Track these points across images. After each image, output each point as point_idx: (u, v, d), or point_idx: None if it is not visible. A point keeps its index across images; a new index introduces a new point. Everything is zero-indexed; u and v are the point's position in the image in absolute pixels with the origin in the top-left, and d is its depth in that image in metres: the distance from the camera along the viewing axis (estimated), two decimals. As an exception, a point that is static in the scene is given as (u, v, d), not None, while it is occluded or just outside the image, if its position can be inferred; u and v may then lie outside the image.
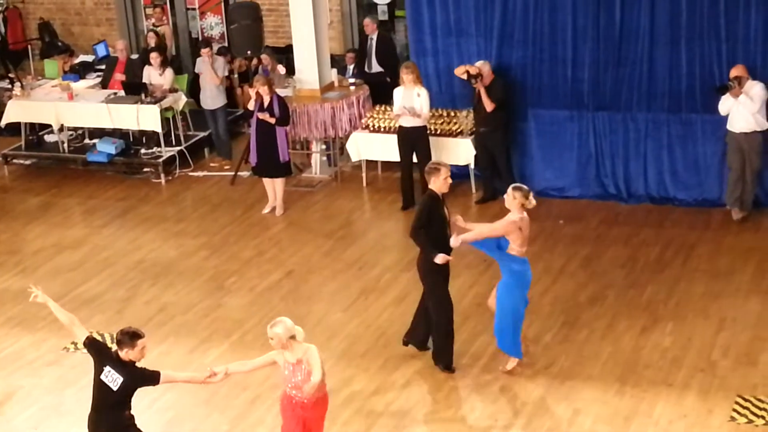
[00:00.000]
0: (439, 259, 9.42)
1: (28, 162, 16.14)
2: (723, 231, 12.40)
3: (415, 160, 13.47)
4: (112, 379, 7.66)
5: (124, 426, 7.85)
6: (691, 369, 9.61)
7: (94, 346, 7.87)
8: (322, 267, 12.21)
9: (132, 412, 7.87)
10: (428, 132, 13.53)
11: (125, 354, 7.66)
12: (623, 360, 9.84)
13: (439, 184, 9.45)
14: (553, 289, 11.26)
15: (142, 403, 9.54)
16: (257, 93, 13.33)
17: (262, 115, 13.26)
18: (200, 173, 15.38)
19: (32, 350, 10.68)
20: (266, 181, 13.77)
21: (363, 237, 13.04)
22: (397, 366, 9.97)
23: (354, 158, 14.51)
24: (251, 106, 13.46)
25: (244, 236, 13.16)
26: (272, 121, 13.23)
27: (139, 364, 7.72)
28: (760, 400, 9.07)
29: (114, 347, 7.80)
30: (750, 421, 8.80)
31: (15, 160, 16.09)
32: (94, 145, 15.76)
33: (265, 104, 13.28)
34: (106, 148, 15.50)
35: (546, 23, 13.26)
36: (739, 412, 8.92)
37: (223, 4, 18.56)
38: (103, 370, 7.70)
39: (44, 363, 10.43)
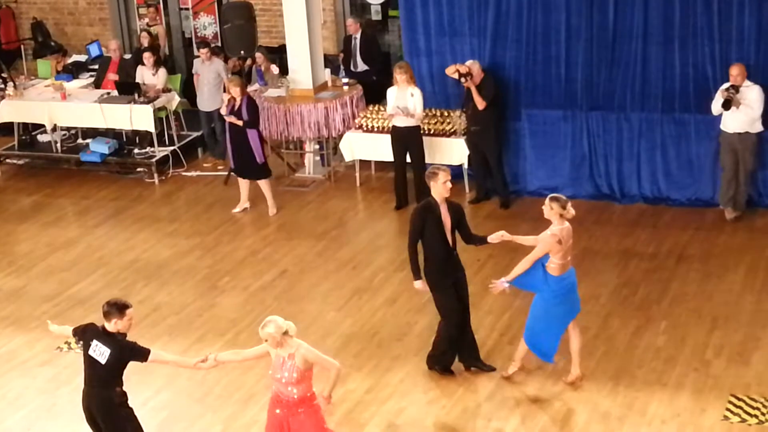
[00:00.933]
0: (417, 284, 9.50)
1: (21, 162, 16.12)
2: (716, 231, 12.43)
3: (408, 160, 13.49)
4: (100, 352, 7.68)
5: (115, 404, 7.87)
6: (684, 368, 9.62)
7: (79, 328, 7.96)
8: (316, 267, 12.21)
9: (124, 388, 7.89)
10: (422, 132, 13.54)
11: (114, 325, 7.69)
12: (617, 359, 9.85)
13: (438, 189, 9.35)
14: (547, 288, 11.27)
15: (136, 402, 9.49)
16: (230, 96, 13.28)
17: (229, 118, 13.23)
18: (193, 173, 15.37)
19: (25, 350, 10.66)
20: (242, 182, 13.73)
21: (356, 237, 13.05)
22: (390, 365, 9.98)
23: (347, 158, 14.50)
24: (224, 110, 13.39)
25: (238, 236, 13.16)
26: (240, 123, 13.20)
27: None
28: (753, 399, 9.09)
29: (101, 324, 7.81)
30: (743, 420, 8.81)
31: (8, 160, 16.08)
32: (87, 144, 15.75)
33: (236, 107, 13.25)
34: (99, 147, 15.49)
35: (539, 23, 13.27)
36: (732, 412, 8.94)
37: (216, 3, 18.56)
38: (90, 344, 7.72)
39: (37, 363, 10.41)
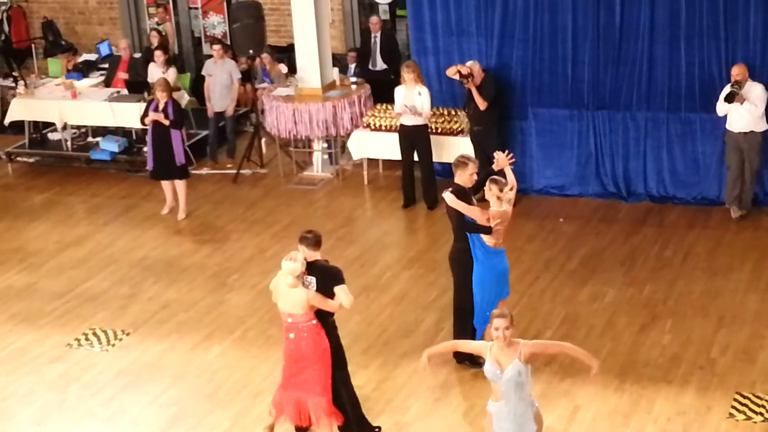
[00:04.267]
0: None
1: (31, 160, 16.21)
2: (722, 229, 12.46)
3: (416, 158, 13.55)
4: (308, 281, 8.42)
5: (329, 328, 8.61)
6: (689, 366, 9.67)
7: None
8: (324, 265, 12.25)
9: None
10: (429, 130, 13.60)
11: (313, 254, 8.51)
12: (622, 357, 9.89)
13: (464, 178, 9.53)
14: (553, 286, 11.32)
15: (145, 399, 9.65)
16: (153, 97, 13.44)
17: (155, 116, 13.29)
18: (203, 171, 15.42)
19: (36, 347, 10.73)
20: (164, 183, 13.82)
21: (364, 235, 13.09)
22: (397, 363, 10.03)
23: (355, 157, 14.57)
24: (151, 115, 13.41)
25: (246, 234, 13.22)
26: (166, 122, 13.27)
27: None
28: (758, 397, 9.13)
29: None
30: (748, 418, 8.85)
31: (19, 158, 16.15)
32: (98, 143, 15.84)
33: (160, 108, 13.33)
34: (110, 146, 15.58)
35: (546, 22, 13.32)
36: (737, 409, 8.98)
37: (225, 3, 18.62)
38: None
39: (48, 359, 10.49)
